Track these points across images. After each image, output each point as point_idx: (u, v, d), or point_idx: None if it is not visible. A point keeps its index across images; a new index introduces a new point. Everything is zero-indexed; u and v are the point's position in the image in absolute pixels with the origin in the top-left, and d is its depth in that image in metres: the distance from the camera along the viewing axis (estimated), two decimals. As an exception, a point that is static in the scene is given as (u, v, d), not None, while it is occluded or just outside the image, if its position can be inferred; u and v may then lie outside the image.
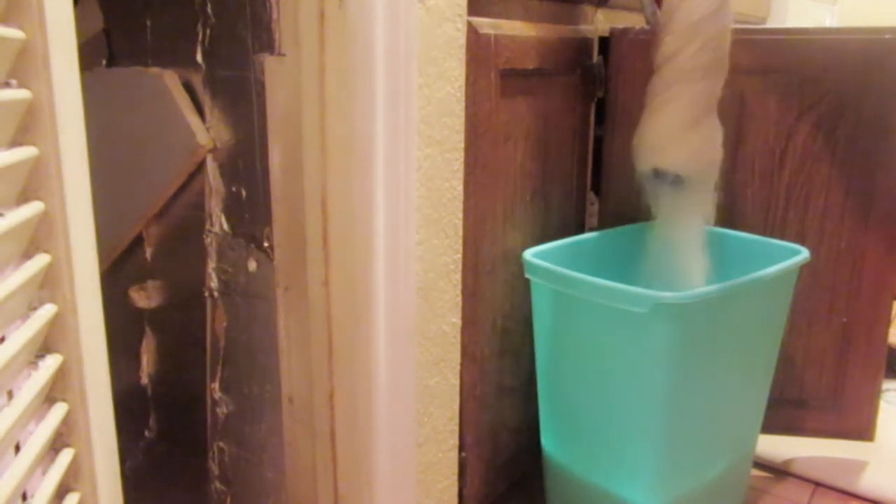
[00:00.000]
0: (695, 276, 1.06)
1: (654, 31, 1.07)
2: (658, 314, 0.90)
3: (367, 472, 0.89)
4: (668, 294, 0.90)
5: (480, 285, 1.01)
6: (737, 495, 1.18)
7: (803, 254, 1.07)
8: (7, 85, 0.47)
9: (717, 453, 1.07)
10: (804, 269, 1.11)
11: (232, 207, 0.94)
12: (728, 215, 1.23)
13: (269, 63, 0.85)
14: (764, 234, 1.20)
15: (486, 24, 0.95)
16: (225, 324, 0.98)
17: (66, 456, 0.53)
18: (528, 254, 1.05)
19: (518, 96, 1.04)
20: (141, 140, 1.00)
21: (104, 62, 1.02)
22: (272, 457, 0.98)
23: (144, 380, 1.10)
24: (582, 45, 1.18)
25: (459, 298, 0.97)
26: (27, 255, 0.50)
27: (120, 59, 1.01)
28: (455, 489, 1.04)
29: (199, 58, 0.92)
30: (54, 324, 0.51)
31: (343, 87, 0.79)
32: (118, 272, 1.07)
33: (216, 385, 1.01)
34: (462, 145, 0.92)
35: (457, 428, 1.01)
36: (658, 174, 1.04)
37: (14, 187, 0.48)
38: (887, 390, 1.57)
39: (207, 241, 0.97)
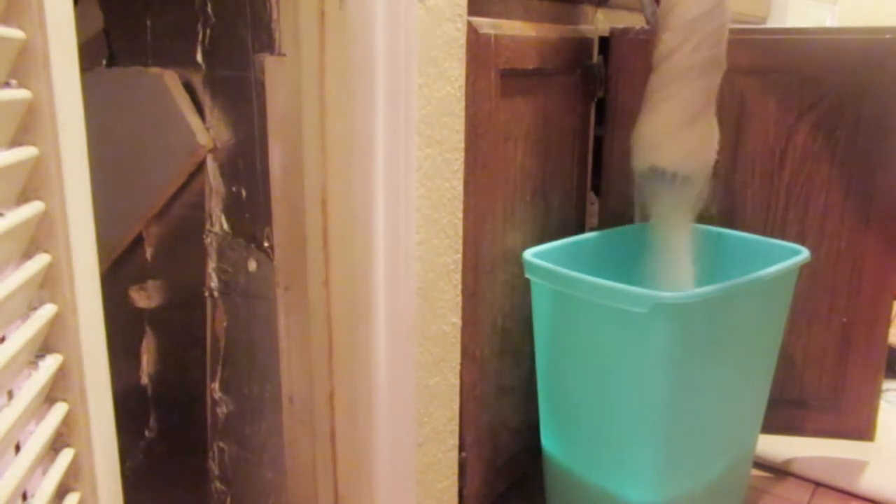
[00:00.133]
0: (681, 276, 1.07)
1: (654, 30, 1.07)
2: (658, 314, 0.90)
3: (367, 472, 0.89)
4: (668, 294, 0.90)
5: (480, 285, 1.01)
6: (737, 495, 1.18)
7: (803, 254, 1.07)
8: (7, 85, 0.47)
9: (718, 453, 1.07)
10: (804, 269, 1.11)
11: (232, 207, 0.94)
12: (728, 215, 1.23)
13: (270, 63, 0.85)
14: (764, 234, 1.20)
15: (486, 24, 0.95)
16: (225, 324, 0.98)
17: (66, 456, 0.53)
18: (528, 254, 1.05)
19: (518, 96, 1.04)
20: (141, 140, 1.00)
21: (104, 62, 1.02)
22: (272, 457, 0.98)
23: (144, 380, 1.10)
24: (582, 45, 1.18)
25: (459, 298, 0.97)
26: (27, 255, 0.50)
27: (120, 59, 1.01)
28: (455, 489, 1.04)
29: (199, 58, 0.92)
30: (54, 324, 0.51)
31: (343, 87, 0.79)
32: (118, 272, 1.07)
33: (216, 385, 1.01)
34: (462, 145, 0.92)
35: (457, 428, 1.01)
36: (656, 172, 1.04)
37: (14, 187, 0.48)
38: (887, 390, 1.57)
39: (207, 241, 0.97)
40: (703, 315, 0.93)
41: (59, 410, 0.52)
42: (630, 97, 1.17)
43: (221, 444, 1.03)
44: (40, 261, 0.50)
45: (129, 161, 1.02)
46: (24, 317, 0.49)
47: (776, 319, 1.10)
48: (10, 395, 0.48)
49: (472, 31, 0.91)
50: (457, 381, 0.99)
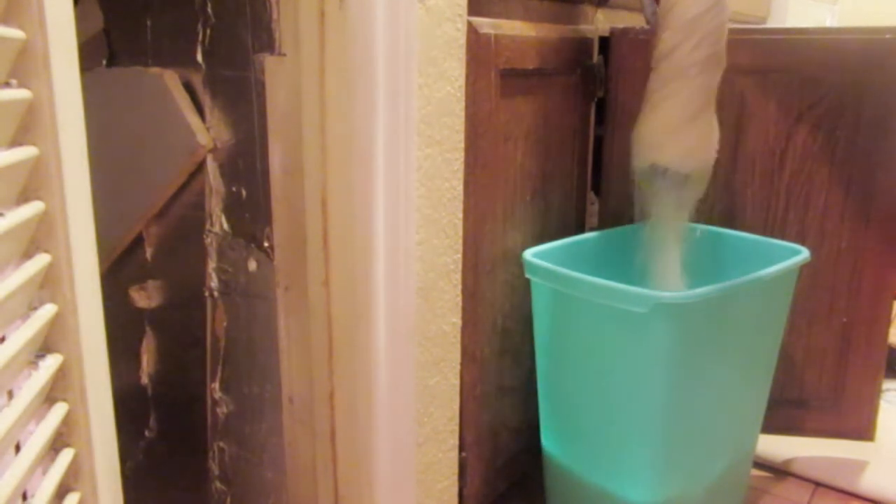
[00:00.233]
0: (672, 276, 1.07)
1: (654, 30, 1.07)
2: (658, 314, 0.90)
3: (367, 472, 0.89)
4: (668, 294, 0.90)
5: (480, 285, 1.01)
6: (737, 495, 1.18)
7: (803, 254, 1.07)
8: (7, 85, 0.47)
9: (718, 453, 1.07)
10: (804, 269, 1.11)
11: (232, 207, 0.94)
12: (728, 215, 1.23)
13: (270, 63, 0.85)
14: (764, 234, 1.20)
15: (486, 24, 0.95)
16: (225, 324, 0.98)
17: (66, 456, 0.53)
18: (528, 254, 1.05)
19: (518, 96, 1.04)
20: (141, 140, 1.00)
21: (104, 62, 1.02)
22: (272, 457, 0.98)
23: (144, 380, 1.10)
24: (582, 44, 1.18)
25: (459, 298, 0.97)
26: (27, 254, 0.50)
27: (120, 59, 1.01)
28: (455, 489, 1.04)
29: (199, 58, 0.92)
30: (54, 324, 0.51)
31: (343, 87, 0.79)
32: (118, 272, 1.07)
33: (216, 385, 1.01)
34: (462, 145, 0.92)
35: (457, 428, 1.01)
36: (656, 170, 1.04)
37: (14, 187, 0.48)
38: (887, 390, 1.57)
39: (207, 240, 0.97)
40: (703, 315, 0.93)
41: (59, 410, 0.52)
42: (630, 97, 1.17)
43: (221, 444, 1.03)
44: (40, 261, 0.50)
45: (129, 161, 1.02)
46: (25, 317, 0.49)
47: (776, 319, 1.10)
48: (10, 394, 0.48)
49: (472, 31, 0.92)
50: (457, 381, 0.99)
